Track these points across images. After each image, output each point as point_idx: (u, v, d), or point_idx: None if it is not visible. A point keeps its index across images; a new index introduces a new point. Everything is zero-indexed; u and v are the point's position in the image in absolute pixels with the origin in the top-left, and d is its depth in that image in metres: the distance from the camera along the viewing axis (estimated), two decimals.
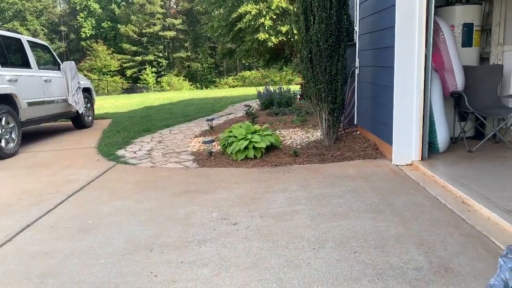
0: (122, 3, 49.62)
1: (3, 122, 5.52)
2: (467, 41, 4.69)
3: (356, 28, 5.70)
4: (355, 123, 5.86)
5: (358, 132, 5.70)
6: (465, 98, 4.32)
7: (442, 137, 4.19)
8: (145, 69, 43.41)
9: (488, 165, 3.83)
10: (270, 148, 4.89)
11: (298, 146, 5.09)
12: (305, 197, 3.34)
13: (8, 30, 6.37)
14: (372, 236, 2.54)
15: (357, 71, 5.63)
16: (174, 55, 46.69)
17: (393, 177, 3.74)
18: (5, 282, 2.24)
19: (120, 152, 5.53)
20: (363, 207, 3.03)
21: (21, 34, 6.81)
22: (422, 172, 3.81)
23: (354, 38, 5.74)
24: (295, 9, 4.75)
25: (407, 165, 4.08)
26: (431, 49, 3.92)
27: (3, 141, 5.51)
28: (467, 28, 4.66)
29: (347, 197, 3.27)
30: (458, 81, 4.37)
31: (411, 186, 3.47)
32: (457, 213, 2.83)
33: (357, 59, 5.57)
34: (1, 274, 2.32)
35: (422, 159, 4.07)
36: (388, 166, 4.10)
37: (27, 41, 6.64)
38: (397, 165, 4.09)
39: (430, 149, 4.19)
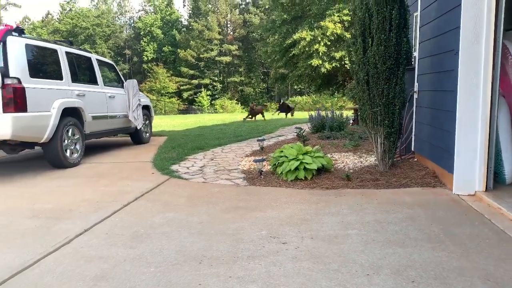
0: (182, 29, 52.40)
1: (69, 134, 5.89)
2: None
3: (415, 54, 5.56)
4: (412, 149, 5.62)
5: (415, 159, 5.45)
6: None
7: (509, 168, 3.90)
8: (200, 92, 45.11)
9: None
10: (321, 171, 4.79)
11: (351, 170, 4.95)
12: (358, 221, 3.21)
13: (80, 49, 6.88)
14: (432, 266, 2.37)
15: (415, 96, 5.44)
16: (228, 79, 48.16)
17: (454, 207, 3.51)
18: (62, 281, 2.33)
19: (174, 167, 5.68)
20: (421, 236, 2.85)
21: (91, 53, 7.34)
22: (487, 204, 3.54)
23: (413, 62, 5.58)
24: (353, 30, 4.72)
25: (469, 195, 3.81)
26: (498, 73, 3.71)
27: (68, 151, 5.87)
28: None
29: (403, 225, 3.10)
30: None
31: (475, 217, 3.22)
32: None
33: (416, 83, 5.39)
34: (59, 274, 2.42)
35: (486, 189, 3.79)
36: (448, 195, 3.86)
37: (96, 59, 7.13)
38: (458, 195, 3.84)
39: (495, 179, 3.90)
